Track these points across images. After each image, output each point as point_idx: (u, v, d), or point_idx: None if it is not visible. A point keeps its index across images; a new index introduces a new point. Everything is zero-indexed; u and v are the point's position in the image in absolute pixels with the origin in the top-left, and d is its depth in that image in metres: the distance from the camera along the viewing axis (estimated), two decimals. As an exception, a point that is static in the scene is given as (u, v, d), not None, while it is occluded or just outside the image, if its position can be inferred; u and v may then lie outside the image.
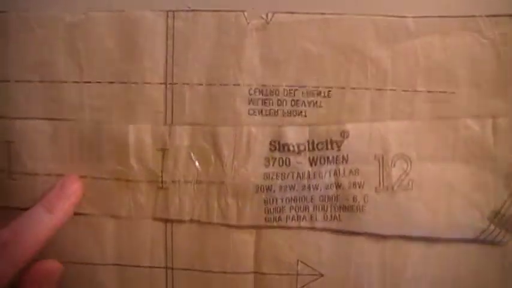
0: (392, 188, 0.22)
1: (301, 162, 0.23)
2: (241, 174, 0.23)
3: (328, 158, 0.22)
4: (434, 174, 0.22)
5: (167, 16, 0.22)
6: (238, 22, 0.22)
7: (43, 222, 0.21)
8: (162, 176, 0.23)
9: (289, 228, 0.23)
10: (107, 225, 0.24)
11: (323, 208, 0.23)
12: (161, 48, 0.22)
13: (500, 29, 0.21)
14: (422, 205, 0.22)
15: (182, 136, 0.23)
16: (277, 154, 0.23)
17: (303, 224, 0.23)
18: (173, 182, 0.23)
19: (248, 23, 0.22)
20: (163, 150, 0.23)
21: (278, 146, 0.23)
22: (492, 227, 0.22)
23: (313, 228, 0.23)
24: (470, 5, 0.22)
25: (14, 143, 0.23)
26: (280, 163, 0.23)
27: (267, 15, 0.22)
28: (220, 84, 0.22)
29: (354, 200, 0.22)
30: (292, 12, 0.22)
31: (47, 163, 0.23)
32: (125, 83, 0.23)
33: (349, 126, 0.22)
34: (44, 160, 0.23)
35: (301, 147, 0.23)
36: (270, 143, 0.23)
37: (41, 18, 0.23)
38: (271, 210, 0.23)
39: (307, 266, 0.23)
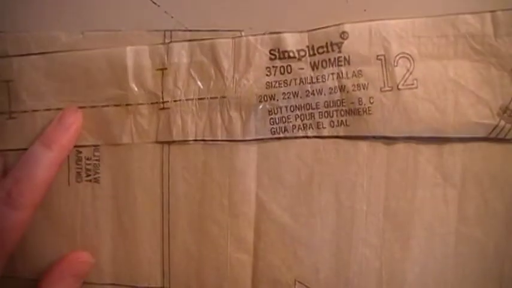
0: (397, 87, 0.22)
1: (303, 68, 0.22)
2: (243, 86, 0.22)
3: (329, 60, 0.22)
4: (438, 71, 0.22)
5: (164, 36, 0.22)
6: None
7: (43, 161, 0.21)
8: (162, 97, 0.23)
9: (295, 138, 0.23)
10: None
11: (329, 114, 0.22)
12: None
13: None
14: (430, 103, 0.22)
15: (181, 53, 0.22)
16: (278, 62, 0.22)
17: (309, 133, 0.23)
18: (174, 101, 0.23)
19: None
20: (163, 70, 0.23)
21: (278, 53, 0.22)
22: (503, 123, 0.22)
23: (320, 137, 0.23)
24: None
25: (13, 82, 0.23)
26: (282, 71, 0.22)
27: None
28: None
29: (359, 103, 0.22)
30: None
31: (45, 98, 0.23)
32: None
33: (347, 27, 0.22)
34: (43, 95, 0.23)
35: (302, 53, 0.22)
36: (270, 52, 0.22)
37: (38, 38, 0.22)
38: (277, 120, 0.23)
39: (305, 286, 0.23)
